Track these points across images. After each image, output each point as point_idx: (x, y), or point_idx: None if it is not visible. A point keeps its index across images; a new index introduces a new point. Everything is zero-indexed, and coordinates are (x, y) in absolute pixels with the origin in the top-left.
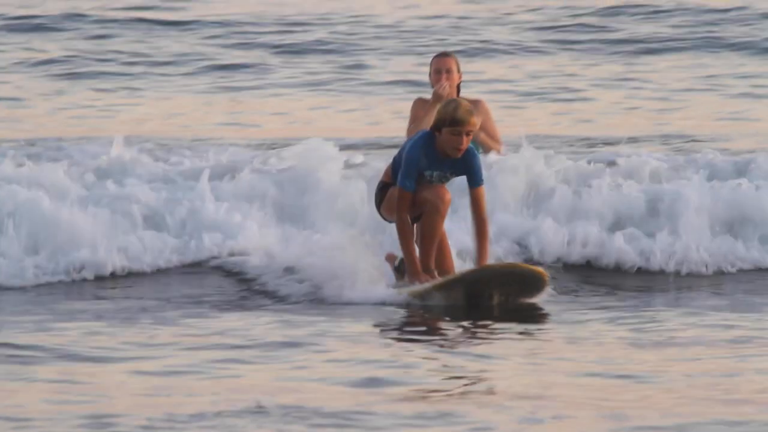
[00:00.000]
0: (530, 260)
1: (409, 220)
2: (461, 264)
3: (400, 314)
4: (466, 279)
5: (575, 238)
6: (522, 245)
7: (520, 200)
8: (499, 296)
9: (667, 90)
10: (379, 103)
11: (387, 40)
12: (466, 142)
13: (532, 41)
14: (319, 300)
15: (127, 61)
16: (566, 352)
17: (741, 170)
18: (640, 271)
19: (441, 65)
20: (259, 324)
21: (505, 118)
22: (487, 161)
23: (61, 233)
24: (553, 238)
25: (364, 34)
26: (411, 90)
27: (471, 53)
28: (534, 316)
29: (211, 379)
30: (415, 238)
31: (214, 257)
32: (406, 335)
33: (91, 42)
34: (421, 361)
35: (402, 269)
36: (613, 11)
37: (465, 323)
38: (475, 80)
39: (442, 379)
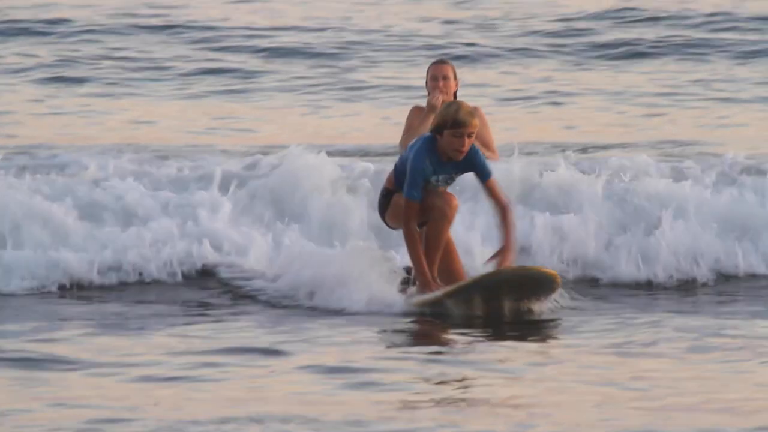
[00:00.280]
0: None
1: (417, 229)
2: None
3: (401, 322)
4: (478, 284)
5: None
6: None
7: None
8: (511, 300)
9: (653, 95)
10: (367, 109)
11: (376, 46)
12: (468, 144)
13: (518, 46)
14: (323, 308)
15: (115, 66)
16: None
17: None
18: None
19: (438, 72)
20: (256, 331)
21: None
22: None
23: (54, 237)
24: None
25: (352, 39)
26: (398, 95)
27: (456, 58)
28: (537, 326)
29: (210, 383)
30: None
31: (213, 266)
32: (405, 343)
33: (77, 46)
34: (420, 369)
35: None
36: (599, 15)
37: (465, 330)
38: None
39: (436, 385)
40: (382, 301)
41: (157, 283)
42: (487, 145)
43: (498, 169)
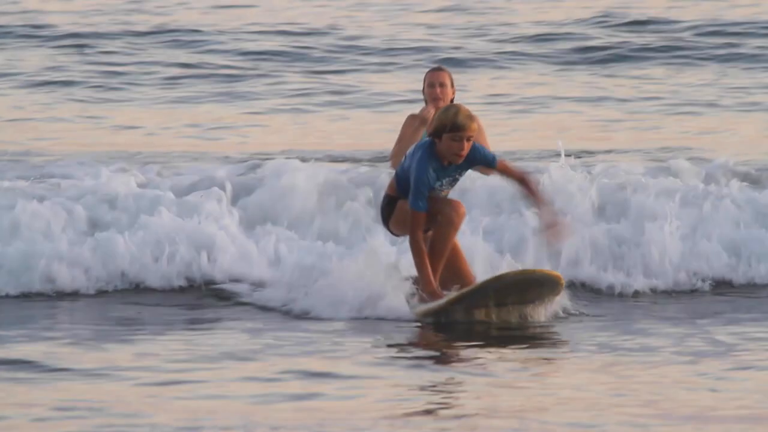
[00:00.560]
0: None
1: (423, 240)
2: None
3: (399, 329)
4: (481, 290)
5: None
6: None
7: None
8: (516, 304)
9: (640, 101)
10: (355, 115)
11: (363, 51)
12: (467, 148)
13: (505, 52)
14: (328, 317)
15: (103, 71)
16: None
17: None
18: None
19: (434, 79)
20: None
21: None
22: None
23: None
24: None
25: (340, 43)
26: (385, 101)
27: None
28: (535, 332)
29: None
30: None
31: (214, 279)
32: (400, 353)
33: (66, 53)
34: (409, 375)
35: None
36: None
37: (464, 339)
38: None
39: (428, 393)
40: (387, 308)
41: (153, 290)
42: None
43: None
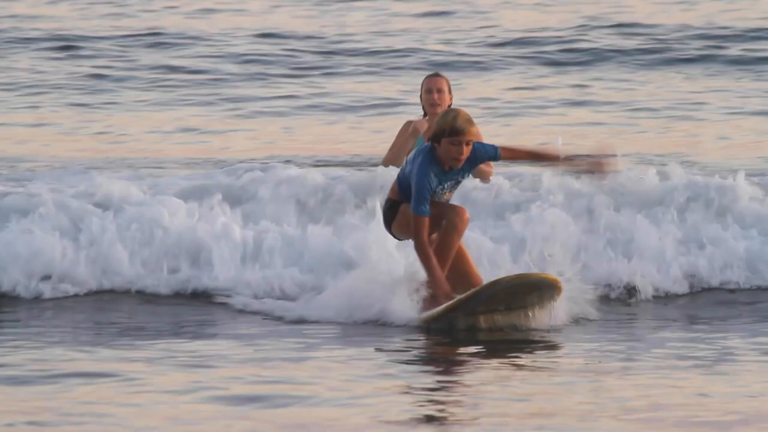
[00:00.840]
0: None
1: (429, 244)
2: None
3: (401, 335)
4: (479, 295)
5: None
6: None
7: None
8: (514, 309)
9: (627, 106)
10: (342, 121)
11: (350, 55)
12: (466, 153)
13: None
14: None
15: (94, 73)
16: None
17: None
18: None
19: (432, 85)
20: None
21: None
22: None
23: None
24: None
25: (329, 49)
26: (371, 106)
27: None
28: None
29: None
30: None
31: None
32: (400, 359)
33: (56, 56)
34: (412, 383)
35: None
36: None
37: (467, 346)
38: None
39: (425, 402)
40: (392, 314)
41: (152, 296)
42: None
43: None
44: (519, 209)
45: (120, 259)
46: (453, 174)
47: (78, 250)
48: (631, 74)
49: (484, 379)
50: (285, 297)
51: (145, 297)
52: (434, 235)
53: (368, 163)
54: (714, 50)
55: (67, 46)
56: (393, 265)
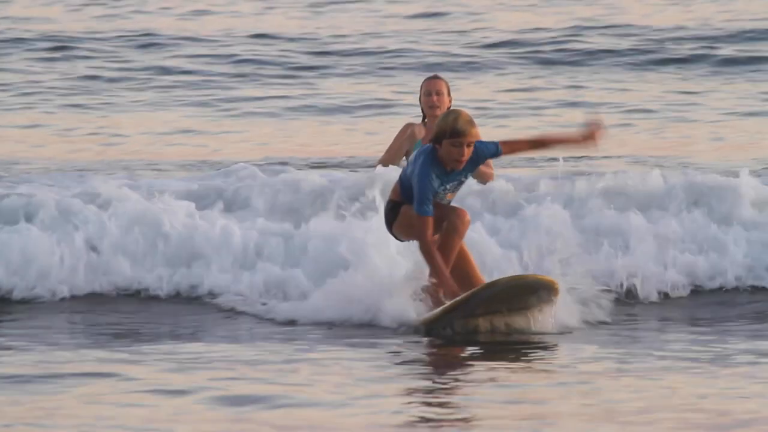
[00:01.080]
0: None
1: (434, 243)
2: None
3: (399, 338)
4: (475, 297)
5: None
6: None
7: None
8: (513, 311)
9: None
10: (335, 122)
11: (343, 55)
12: (467, 154)
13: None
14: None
15: (87, 75)
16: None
17: None
18: None
19: (431, 87)
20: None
21: None
22: None
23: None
24: None
25: (320, 50)
26: (362, 107)
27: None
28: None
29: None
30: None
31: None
32: (398, 362)
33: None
34: (409, 386)
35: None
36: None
37: (469, 348)
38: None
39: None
40: (392, 316)
41: (149, 298)
42: (485, 162)
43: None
44: (516, 211)
45: (119, 261)
46: (455, 175)
47: (78, 252)
48: (624, 75)
49: (480, 382)
50: (282, 298)
51: (142, 299)
52: (435, 236)
53: (364, 165)
54: (707, 50)
55: (60, 47)
56: (390, 267)
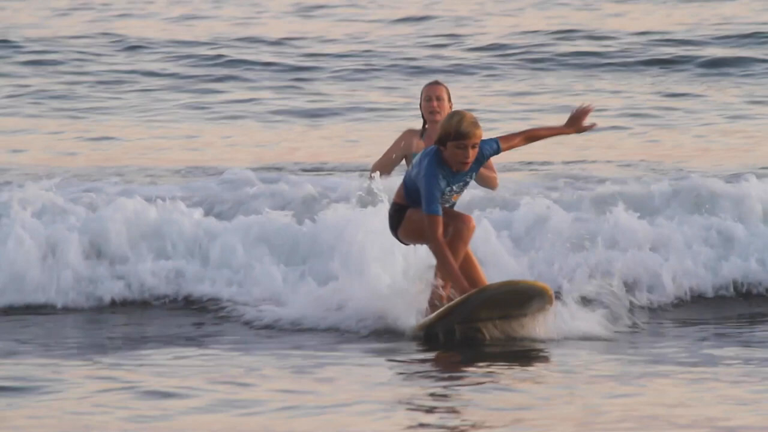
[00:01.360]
0: None
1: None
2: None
3: (397, 344)
4: (468, 302)
5: None
6: None
7: None
8: (505, 317)
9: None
10: (328, 127)
11: (338, 57)
12: (472, 156)
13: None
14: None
15: (70, 81)
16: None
17: None
18: None
19: (432, 93)
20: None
21: None
22: None
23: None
24: None
25: (311, 52)
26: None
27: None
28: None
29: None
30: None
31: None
32: (394, 368)
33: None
34: (405, 393)
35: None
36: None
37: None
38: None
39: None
40: (387, 322)
41: (146, 304)
42: (487, 166)
43: None
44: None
45: (121, 264)
46: (461, 176)
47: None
48: (610, 80)
49: (475, 388)
50: (281, 304)
51: (140, 304)
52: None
53: (355, 169)
54: (694, 53)
55: (44, 50)
56: (389, 273)
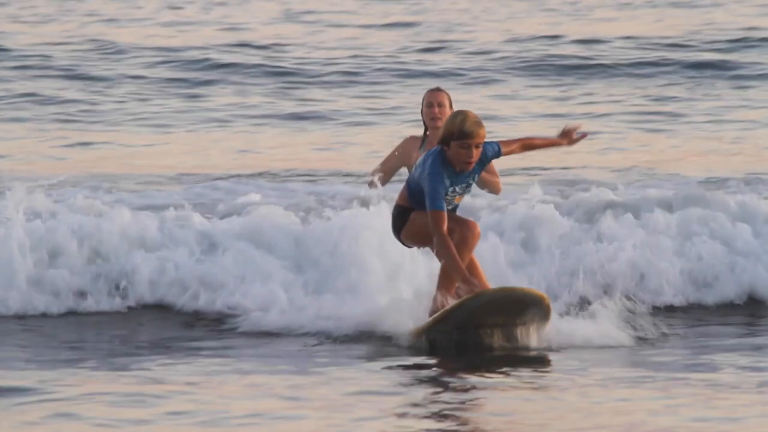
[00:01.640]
0: None
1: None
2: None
3: (394, 348)
4: (463, 308)
5: None
6: None
7: None
8: (500, 325)
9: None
10: (319, 133)
11: (327, 64)
12: (476, 155)
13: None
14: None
15: (58, 87)
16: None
17: None
18: None
19: (433, 99)
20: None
21: None
22: None
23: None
24: None
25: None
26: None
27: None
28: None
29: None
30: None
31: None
32: (392, 372)
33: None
34: (404, 397)
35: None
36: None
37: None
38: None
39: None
40: (383, 329)
41: (146, 310)
42: (489, 170)
43: None
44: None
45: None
46: (464, 176)
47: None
48: (604, 86)
49: (472, 394)
50: (281, 312)
51: (140, 311)
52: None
53: (351, 176)
54: (685, 57)
55: (25, 55)
56: (388, 278)
